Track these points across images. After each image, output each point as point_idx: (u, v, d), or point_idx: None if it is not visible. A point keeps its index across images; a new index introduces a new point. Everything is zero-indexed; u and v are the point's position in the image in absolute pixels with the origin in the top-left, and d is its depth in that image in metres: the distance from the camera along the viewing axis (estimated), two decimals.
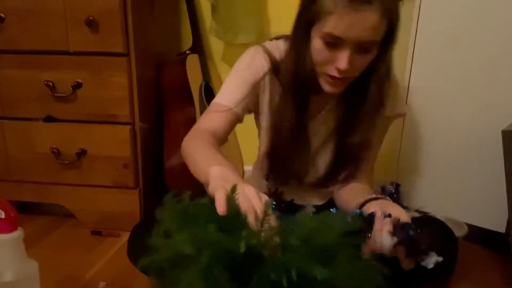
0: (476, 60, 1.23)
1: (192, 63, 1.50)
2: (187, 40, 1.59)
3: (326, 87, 0.88)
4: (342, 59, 0.81)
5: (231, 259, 0.47)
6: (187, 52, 1.54)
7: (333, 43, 0.81)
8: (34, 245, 1.32)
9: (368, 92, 0.90)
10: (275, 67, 0.94)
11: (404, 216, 0.77)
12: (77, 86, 1.30)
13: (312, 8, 0.82)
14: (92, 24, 1.23)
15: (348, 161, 1.01)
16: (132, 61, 1.28)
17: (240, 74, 0.96)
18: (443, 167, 1.34)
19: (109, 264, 1.23)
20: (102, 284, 1.12)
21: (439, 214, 1.10)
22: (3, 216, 0.82)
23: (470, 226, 1.30)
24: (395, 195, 0.98)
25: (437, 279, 0.93)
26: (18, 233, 0.84)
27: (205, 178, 0.72)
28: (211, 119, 0.93)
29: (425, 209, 1.02)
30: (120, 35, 1.24)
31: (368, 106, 0.91)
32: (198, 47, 1.55)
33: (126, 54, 1.27)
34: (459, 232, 1.26)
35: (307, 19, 0.84)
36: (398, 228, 0.73)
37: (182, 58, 1.48)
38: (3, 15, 1.26)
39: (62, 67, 1.29)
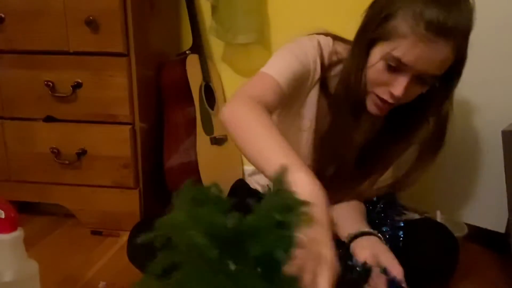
0: (476, 60, 1.22)
1: (192, 63, 1.50)
2: (187, 40, 1.59)
3: (372, 107, 0.84)
4: (399, 86, 0.76)
5: (222, 237, 0.47)
6: (187, 52, 1.54)
7: (395, 67, 0.76)
8: (34, 245, 1.32)
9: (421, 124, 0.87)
10: (323, 67, 0.89)
11: (396, 268, 0.77)
12: (77, 86, 1.30)
13: (384, 26, 0.76)
14: (92, 24, 1.23)
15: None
16: (132, 61, 1.28)
17: (292, 55, 0.85)
18: (442, 167, 1.33)
19: (109, 264, 1.23)
20: (102, 284, 1.12)
21: (439, 214, 1.11)
22: (3, 216, 0.82)
23: (470, 226, 1.30)
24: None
25: (437, 280, 0.93)
26: (18, 233, 0.84)
27: (269, 168, 0.59)
28: (261, 89, 0.78)
29: (425, 210, 1.03)
30: (120, 35, 1.24)
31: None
32: (198, 47, 1.54)
33: (126, 54, 1.27)
34: (459, 232, 1.26)
35: (374, 35, 0.79)
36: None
37: (182, 58, 1.48)
38: (3, 15, 1.26)
39: (62, 67, 1.29)
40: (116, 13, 1.22)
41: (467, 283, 1.16)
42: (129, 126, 1.32)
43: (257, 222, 0.47)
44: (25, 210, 1.50)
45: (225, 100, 1.66)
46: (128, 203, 1.38)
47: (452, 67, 0.78)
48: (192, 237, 0.46)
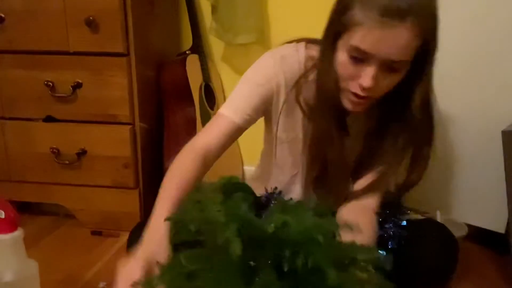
0: (476, 60, 1.23)
1: (192, 63, 1.50)
2: (187, 40, 1.59)
3: (348, 104, 0.82)
4: (367, 77, 0.75)
5: (255, 239, 0.49)
6: (187, 52, 1.54)
7: (359, 58, 0.75)
8: (34, 245, 1.32)
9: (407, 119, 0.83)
10: (291, 80, 0.88)
11: None
12: (77, 86, 1.30)
13: (342, 19, 0.75)
14: (92, 24, 1.23)
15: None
16: (132, 61, 1.28)
17: (250, 84, 0.90)
18: (443, 167, 1.34)
19: (109, 264, 1.23)
20: (102, 284, 1.12)
21: (439, 214, 1.11)
22: (3, 216, 0.82)
23: (470, 226, 1.30)
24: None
25: (437, 280, 0.93)
26: (18, 233, 0.84)
27: (151, 217, 0.77)
28: (210, 133, 0.88)
29: (424, 209, 1.03)
30: (120, 35, 1.24)
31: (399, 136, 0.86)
32: (198, 47, 1.55)
33: (126, 54, 1.27)
34: (459, 232, 1.26)
35: (335, 29, 0.78)
36: None
37: (182, 58, 1.48)
38: (3, 15, 1.26)
39: (62, 67, 1.29)
40: (116, 13, 1.22)
41: (467, 283, 1.16)
42: (129, 126, 1.32)
43: (303, 237, 0.49)
44: (25, 210, 1.50)
45: (225, 100, 1.66)
46: (128, 203, 1.38)
47: (422, 50, 0.76)
48: (227, 236, 0.47)
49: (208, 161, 0.86)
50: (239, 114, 0.88)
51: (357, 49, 0.74)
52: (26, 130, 1.36)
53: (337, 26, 0.77)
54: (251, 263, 0.50)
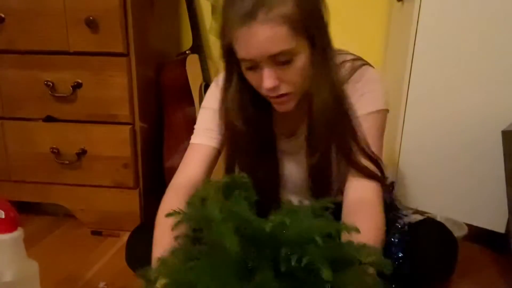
0: (476, 60, 1.23)
1: (192, 63, 1.50)
2: (187, 40, 1.59)
3: (276, 107, 0.85)
4: (265, 80, 0.78)
5: (253, 237, 0.50)
6: (187, 52, 1.54)
7: (251, 66, 0.79)
8: (34, 245, 1.32)
9: (312, 104, 0.83)
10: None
11: None
12: (77, 86, 1.30)
13: (223, 42, 0.81)
14: (92, 24, 1.23)
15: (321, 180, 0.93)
16: (132, 61, 1.28)
17: (209, 110, 0.95)
18: (443, 167, 1.34)
19: (109, 264, 1.23)
20: (102, 284, 1.12)
21: (439, 214, 1.11)
22: (3, 216, 0.82)
23: (470, 226, 1.30)
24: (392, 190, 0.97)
25: (437, 279, 0.93)
26: (18, 233, 0.84)
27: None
28: (189, 166, 0.93)
29: (424, 209, 1.02)
30: (120, 35, 1.24)
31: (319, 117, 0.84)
32: (198, 47, 1.55)
33: (126, 54, 1.27)
34: (459, 232, 1.26)
35: (227, 53, 0.82)
36: None
37: (182, 58, 1.48)
38: (3, 15, 1.26)
39: (62, 67, 1.29)
40: (116, 13, 1.22)
41: (467, 283, 1.16)
42: (129, 126, 1.32)
43: (300, 237, 0.49)
44: (25, 210, 1.50)
45: None
46: (128, 203, 1.38)
47: (306, 26, 0.76)
48: (223, 234, 0.47)
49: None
50: (210, 138, 0.94)
51: (243, 60, 0.79)
52: (26, 130, 1.36)
53: (225, 49, 0.82)
54: (249, 261, 0.50)
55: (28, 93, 1.33)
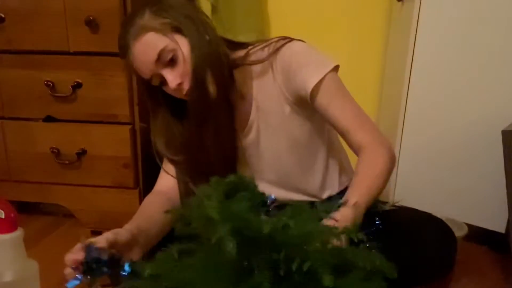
0: (476, 60, 1.23)
1: None
2: None
3: (189, 99, 0.92)
4: (169, 83, 0.88)
5: (252, 238, 0.50)
6: None
7: (160, 82, 0.91)
8: (34, 245, 1.32)
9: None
10: None
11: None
12: (77, 86, 1.30)
13: (137, 75, 0.95)
14: (92, 24, 1.23)
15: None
16: None
17: None
18: (443, 167, 1.34)
19: None
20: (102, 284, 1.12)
21: (439, 214, 1.10)
22: (3, 216, 0.82)
23: (470, 226, 1.30)
24: None
25: (437, 272, 0.93)
26: (18, 233, 0.84)
27: None
28: (161, 179, 1.05)
29: (424, 209, 1.02)
30: None
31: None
32: None
33: None
34: (459, 232, 1.26)
35: (144, 83, 0.95)
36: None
37: None
38: (3, 15, 1.26)
39: (62, 67, 1.29)
40: (116, 13, 1.22)
41: (467, 283, 1.16)
42: (129, 126, 1.32)
43: (300, 240, 0.50)
44: (25, 210, 1.50)
45: None
46: (128, 203, 1.38)
47: (164, 28, 0.86)
48: (220, 234, 0.47)
49: (175, 198, 1.01)
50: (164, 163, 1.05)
51: (150, 80, 0.92)
52: (26, 130, 1.36)
53: (143, 82, 0.96)
54: (246, 262, 0.50)
55: (28, 93, 1.33)
